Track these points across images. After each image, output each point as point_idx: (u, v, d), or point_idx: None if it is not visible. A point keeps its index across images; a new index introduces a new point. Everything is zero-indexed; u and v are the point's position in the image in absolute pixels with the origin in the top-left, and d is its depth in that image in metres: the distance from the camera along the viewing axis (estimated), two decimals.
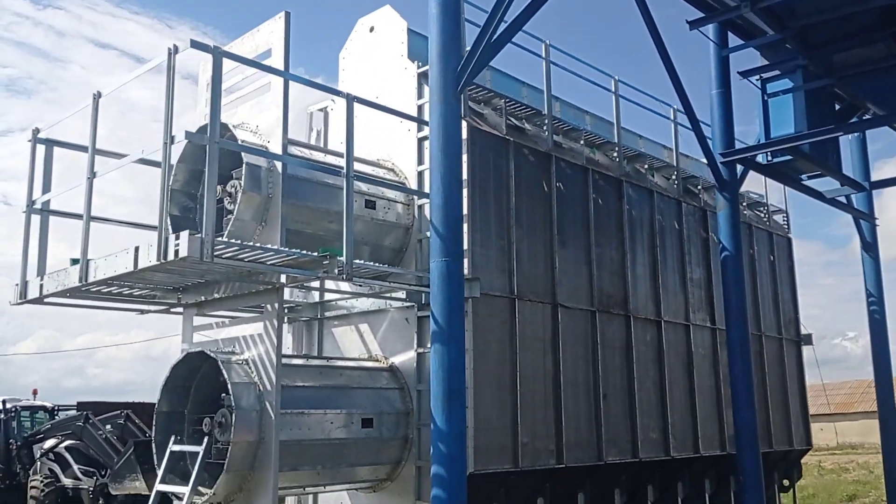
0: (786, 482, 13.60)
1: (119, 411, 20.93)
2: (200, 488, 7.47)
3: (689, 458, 10.89)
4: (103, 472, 19.23)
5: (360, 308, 9.44)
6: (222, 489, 7.30)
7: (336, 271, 7.11)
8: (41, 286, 7.87)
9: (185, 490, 7.40)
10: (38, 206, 8.11)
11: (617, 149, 10.80)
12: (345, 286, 9.67)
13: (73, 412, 21.72)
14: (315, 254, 7.10)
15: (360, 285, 8.79)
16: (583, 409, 9.39)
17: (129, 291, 8.51)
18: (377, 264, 8.07)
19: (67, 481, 19.66)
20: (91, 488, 19.31)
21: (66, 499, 19.62)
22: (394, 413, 8.56)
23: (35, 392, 22.96)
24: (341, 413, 8.13)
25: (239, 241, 6.79)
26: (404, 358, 8.87)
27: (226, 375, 7.38)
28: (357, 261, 7.42)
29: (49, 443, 20.37)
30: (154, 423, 8.11)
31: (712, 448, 11.39)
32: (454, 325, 6.84)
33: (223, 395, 7.95)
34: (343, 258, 7.20)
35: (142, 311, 9.15)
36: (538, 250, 9.23)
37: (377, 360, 9.08)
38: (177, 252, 6.26)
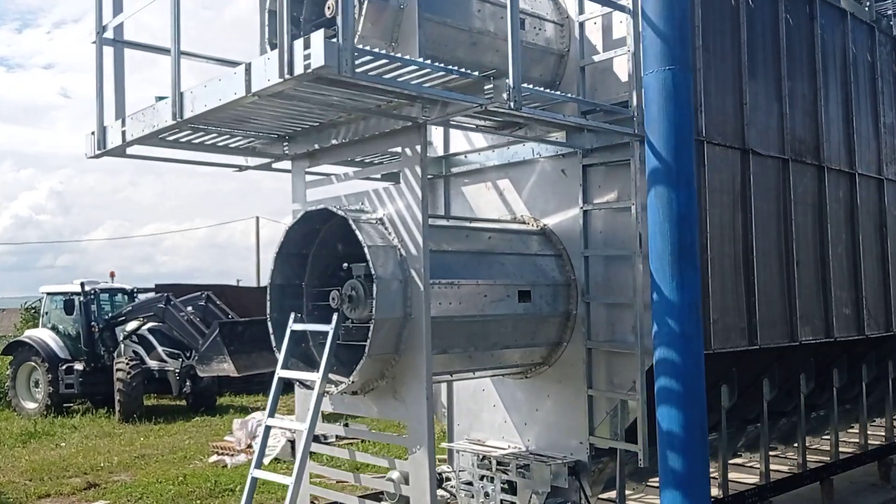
0: None
1: (199, 293, 20.39)
2: (331, 375, 6.09)
3: (881, 337, 9.16)
4: (188, 354, 18.93)
5: (496, 161, 7.73)
6: (362, 376, 5.89)
7: (504, 97, 5.33)
8: (123, 132, 6.32)
9: (314, 377, 6.02)
10: (109, 33, 6.46)
11: None
12: (477, 137, 7.95)
13: (152, 294, 21.15)
14: (476, 73, 5.33)
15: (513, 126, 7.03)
16: (775, 279, 7.65)
17: (224, 142, 6.94)
18: (556, 92, 6.27)
19: (153, 363, 19.42)
20: (177, 370, 19.05)
21: (152, 380, 19.41)
22: (552, 284, 6.96)
23: (112, 274, 22.33)
24: (495, 284, 6.55)
25: (386, 52, 5.03)
26: (561, 218, 7.18)
27: (360, 237, 5.82)
28: (526, 85, 5.62)
29: (131, 325, 20.02)
30: (269, 297, 6.68)
31: None
32: (683, 158, 5.09)
33: (347, 264, 6.48)
34: (510, 80, 5.41)
35: (240, 168, 7.59)
36: (726, 81, 7.27)
37: (524, 222, 7.44)
38: (307, 66, 4.55)
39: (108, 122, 6.48)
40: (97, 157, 6.66)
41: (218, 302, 20.10)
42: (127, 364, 18.49)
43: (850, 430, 10.51)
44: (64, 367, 19.53)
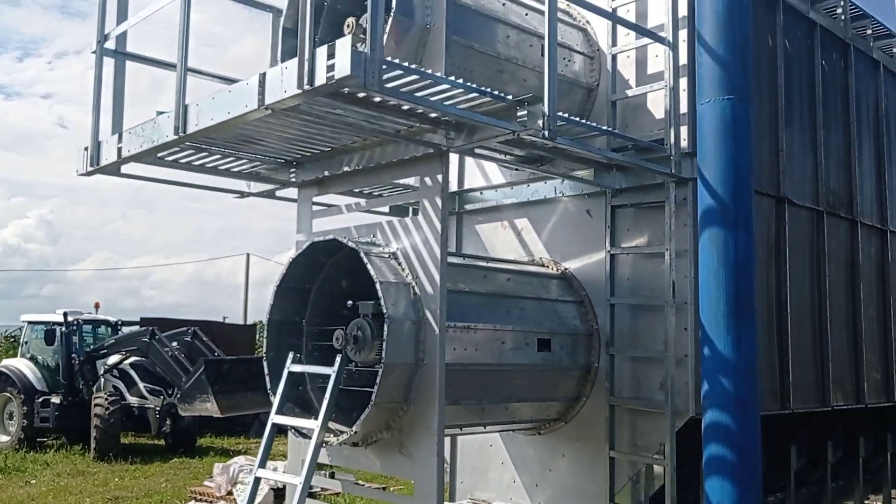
0: None
1: (186, 328, 19.62)
2: (331, 424, 5.51)
3: None
4: (170, 392, 18.09)
5: (514, 198, 7.26)
6: (365, 427, 5.31)
7: (539, 124, 4.87)
8: (119, 148, 5.82)
9: (313, 425, 5.43)
10: (111, 43, 6.01)
11: (842, 3, 8.22)
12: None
13: (137, 328, 20.41)
14: (510, 97, 4.88)
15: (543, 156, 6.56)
16: (808, 339, 7.15)
17: (227, 165, 6.47)
18: (593, 123, 5.82)
19: (133, 399, 18.54)
20: (158, 407, 18.17)
21: (131, 417, 18.48)
22: (572, 334, 6.44)
23: (97, 305, 21.60)
24: (514, 330, 6.03)
25: (417, 67, 4.57)
26: (584, 262, 6.70)
27: (371, 272, 5.30)
28: (562, 114, 5.17)
29: (113, 359, 19.15)
30: (266, 334, 6.13)
31: None
32: (742, 198, 4.63)
33: (352, 302, 5.94)
34: (545, 107, 4.96)
35: (242, 194, 7.10)
36: (763, 125, 6.86)
37: (542, 265, 6.94)
38: (329, 77, 4.08)
39: (103, 138, 6.00)
40: (89, 174, 6.15)
41: (204, 338, 19.30)
42: (106, 399, 17.61)
43: (874, 499, 9.91)
44: (40, 399, 18.60)
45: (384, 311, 5.18)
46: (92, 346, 19.60)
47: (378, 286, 5.25)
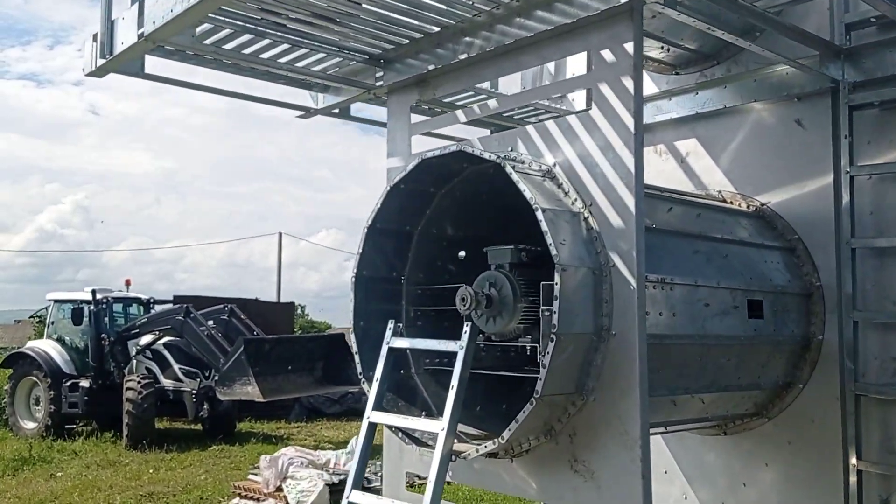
0: None
1: (222, 305, 18.27)
2: (462, 426, 3.68)
3: None
4: (207, 374, 16.75)
5: (676, 112, 5.31)
6: (520, 431, 3.44)
7: None
8: (141, 33, 3.97)
9: (435, 429, 3.58)
10: None
11: None
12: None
13: (170, 306, 18.89)
14: None
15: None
16: None
17: (290, 57, 4.62)
18: None
19: (167, 382, 17.25)
20: (194, 391, 16.88)
21: (165, 402, 17.14)
22: (782, 293, 4.50)
23: (128, 282, 20.12)
24: (718, 287, 4.10)
25: None
26: (792, 194, 4.73)
27: (527, 193, 3.41)
28: None
29: (146, 339, 17.79)
30: (353, 294, 4.27)
31: None
32: None
33: (464, 252, 4.15)
34: None
35: (308, 112, 5.23)
36: None
37: (725, 200, 5.00)
38: None
39: (118, 15, 4.16)
40: (99, 72, 4.32)
41: (242, 316, 17.99)
42: (139, 382, 16.26)
43: None
44: (68, 383, 17.35)
45: (554, 252, 3.29)
46: (123, 326, 18.17)
47: (540, 215, 3.36)
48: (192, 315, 16.44)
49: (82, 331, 18.04)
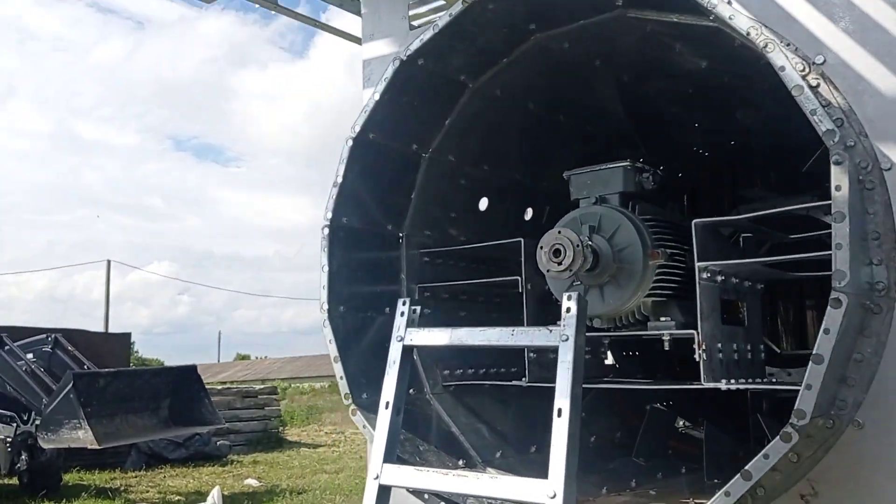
0: None
1: (45, 335, 16.66)
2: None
3: None
4: (26, 417, 14.26)
5: None
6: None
7: None
8: None
9: (539, 496, 1.85)
10: None
11: None
12: None
13: None
14: None
15: None
16: None
17: None
18: None
19: None
20: (9, 438, 14.29)
21: None
22: None
23: None
24: None
25: None
26: None
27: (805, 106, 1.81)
28: None
29: None
30: (324, 258, 2.45)
31: None
32: None
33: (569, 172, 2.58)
34: None
35: None
36: None
37: None
38: None
39: None
40: None
41: (70, 348, 16.29)
42: None
43: None
44: None
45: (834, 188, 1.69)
46: None
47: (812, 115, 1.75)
48: (6, 347, 14.33)
49: None
